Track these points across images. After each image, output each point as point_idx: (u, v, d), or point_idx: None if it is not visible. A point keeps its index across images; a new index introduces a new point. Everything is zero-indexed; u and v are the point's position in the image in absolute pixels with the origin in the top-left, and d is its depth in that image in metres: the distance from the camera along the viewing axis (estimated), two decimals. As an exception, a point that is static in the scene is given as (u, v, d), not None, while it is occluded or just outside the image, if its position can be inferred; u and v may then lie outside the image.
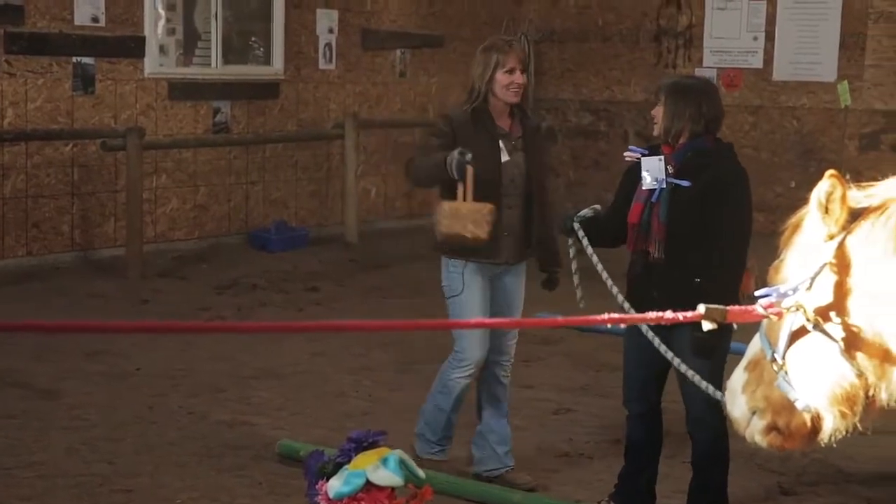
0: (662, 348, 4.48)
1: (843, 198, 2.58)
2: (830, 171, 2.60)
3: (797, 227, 2.69)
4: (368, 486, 4.26)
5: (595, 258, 4.88)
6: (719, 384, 4.45)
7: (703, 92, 4.98)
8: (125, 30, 10.81)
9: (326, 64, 12.50)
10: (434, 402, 5.63)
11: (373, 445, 4.40)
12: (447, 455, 5.68)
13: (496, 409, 5.68)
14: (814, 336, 2.61)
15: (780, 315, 2.63)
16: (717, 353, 4.80)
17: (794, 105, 12.86)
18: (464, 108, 5.51)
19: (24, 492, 5.43)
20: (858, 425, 2.66)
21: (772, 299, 2.66)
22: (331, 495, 4.29)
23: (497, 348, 5.61)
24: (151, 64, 11.02)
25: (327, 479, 4.35)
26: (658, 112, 4.95)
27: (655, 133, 5.02)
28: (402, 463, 4.31)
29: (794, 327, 2.62)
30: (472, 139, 5.38)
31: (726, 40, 13.15)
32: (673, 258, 4.86)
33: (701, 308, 2.70)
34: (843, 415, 2.64)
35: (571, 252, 5.17)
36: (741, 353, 2.84)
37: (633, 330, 4.92)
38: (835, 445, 2.74)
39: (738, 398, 2.77)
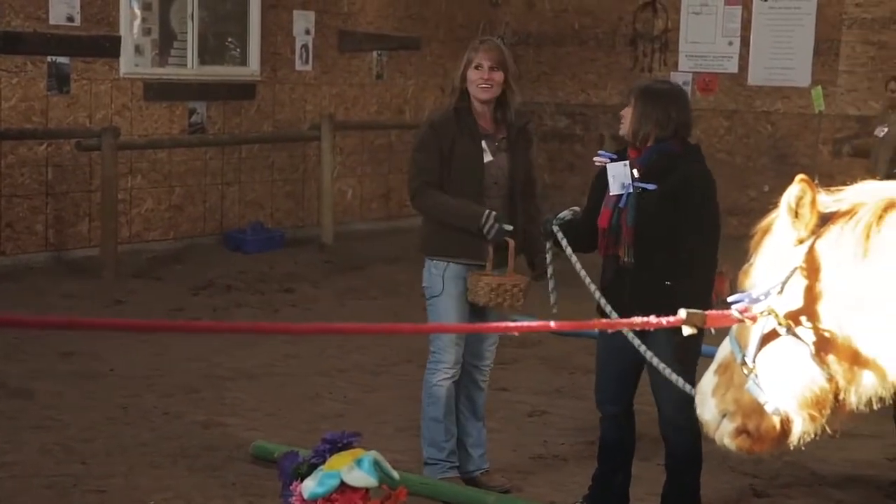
0: (642, 349, 4.49)
1: (813, 202, 2.59)
2: (800, 176, 2.61)
3: (767, 231, 2.69)
4: (343, 486, 4.27)
5: (574, 258, 4.90)
6: (692, 385, 4.46)
7: (673, 97, 4.98)
8: (100, 29, 10.77)
9: (303, 65, 12.48)
10: (427, 416, 5.60)
11: (347, 447, 4.41)
12: (458, 472, 5.62)
13: (472, 412, 5.68)
14: (784, 339, 2.62)
15: (755, 319, 2.65)
16: (689, 355, 4.82)
17: (769, 110, 12.93)
18: (447, 108, 5.53)
19: (-4, 492, 5.42)
20: (827, 428, 2.67)
21: (745, 304, 2.67)
22: (305, 496, 4.29)
23: (477, 353, 5.62)
24: (127, 64, 10.98)
25: (302, 480, 4.35)
26: (627, 113, 4.97)
27: (621, 133, 5.05)
28: (376, 464, 4.32)
29: (766, 331, 2.63)
30: (455, 140, 5.40)
31: (702, 45, 13.20)
32: (642, 261, 4.87)
33: (682, 313, 2.71)
34: (812, 418, 2.65)
35: (549, 256, 5.19)
36: (712, 356, 2.85)
37: (606, 331, 4.94)
38: (804, 448, 2.76)
39: (708, 401, 2.78)
